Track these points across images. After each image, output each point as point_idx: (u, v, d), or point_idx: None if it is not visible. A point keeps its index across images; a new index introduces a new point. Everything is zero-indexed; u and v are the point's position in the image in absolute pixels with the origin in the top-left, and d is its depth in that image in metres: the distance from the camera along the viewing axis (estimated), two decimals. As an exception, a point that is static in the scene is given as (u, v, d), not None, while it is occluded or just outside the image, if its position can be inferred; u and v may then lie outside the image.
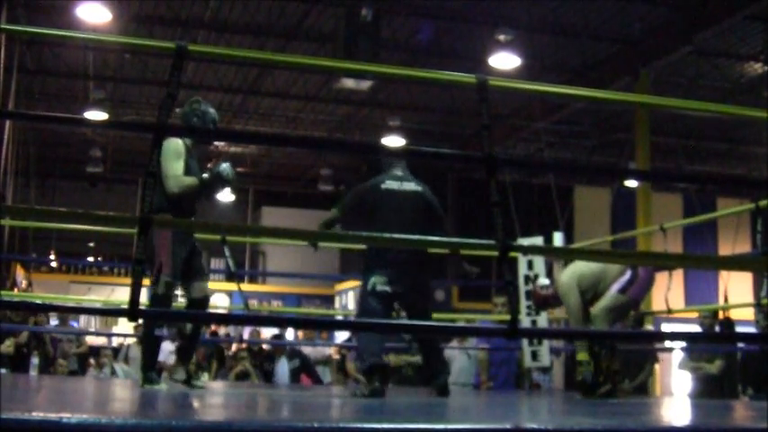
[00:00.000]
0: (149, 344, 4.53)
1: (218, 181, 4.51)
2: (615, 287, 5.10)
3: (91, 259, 19.28)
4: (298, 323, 9.16)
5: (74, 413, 2.01)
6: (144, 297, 4.43)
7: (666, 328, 12.04)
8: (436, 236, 4.34)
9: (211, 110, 4.72)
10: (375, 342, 4.67)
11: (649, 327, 10.55)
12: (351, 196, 4.85)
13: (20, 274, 15.24)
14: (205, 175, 4.50)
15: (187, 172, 4.49)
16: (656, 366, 10.99)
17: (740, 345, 7.05)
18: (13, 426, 1.89)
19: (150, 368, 4.42)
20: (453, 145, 14.68)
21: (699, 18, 10.58)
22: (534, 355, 6.72)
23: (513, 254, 3.06)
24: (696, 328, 7.46)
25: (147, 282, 4.11)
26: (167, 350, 9.66)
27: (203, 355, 10.01)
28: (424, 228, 4.65)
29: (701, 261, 6.34)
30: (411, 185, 4.82)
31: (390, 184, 4.77)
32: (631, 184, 14.33)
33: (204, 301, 4.62)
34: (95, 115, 12.95)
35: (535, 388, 7.76)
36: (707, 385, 6.82)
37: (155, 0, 11.20)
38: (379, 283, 4.62)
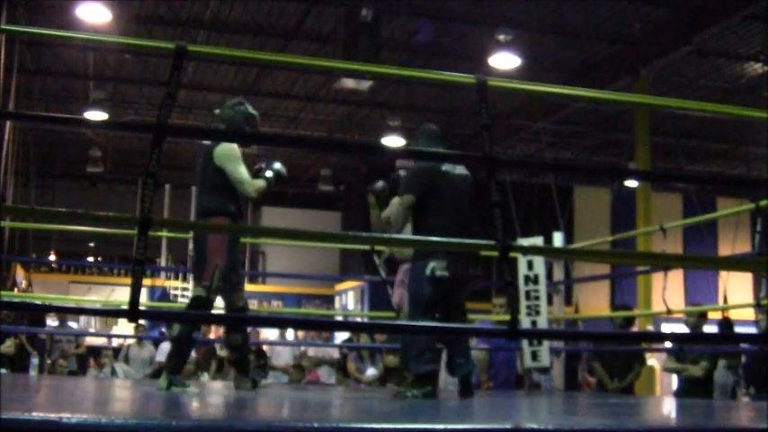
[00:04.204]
0: (183, 346, 4.39)
1: (277, 181, 4.60)
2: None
3: (91, 259, 19.29)
4: (298, 323, 9.17)
5: (74, 413, 2.01)
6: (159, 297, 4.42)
7: (667, 328, 12.05)
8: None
9: (255, 111, 4.73)
10: (429, 346, 4.52)
11: (649, 327, 10.57)
12: (418, 178, 4.65)
13: (20, 274, 15.24)
14: (269, 174, 4.54)
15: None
16: (657, 367, 11.02)
17: (738, 345, 7.04)
18: (13, 426, 1.89)
19: (177, 371, 4.28)
20: (453, 145, 14.68)
21: (699, 18, 10.58)
22: (534, 356, 6.71)
23: (512, 254, 3.05)
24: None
25: (147, 281, 4.09)
26: (166, 351, 9.66)
27: (203, 355, 10.01)
28: (470, 212, 4.61)
29: (701, 261, 6.34)
30: (461, 169, 4.75)
31: (447, 167, 4.68)
32: (631, 184, 14.33)
33: (245, 309, 4.56)
34: (95, 115, 12.95)
35: (535, 388, 7.75)
36: (692, 387, 6.72)
37: (155, 0, 11.20)
38: (438, 268, 4.46)
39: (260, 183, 4.48)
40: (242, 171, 4.41)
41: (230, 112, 4.62)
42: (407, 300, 4.80)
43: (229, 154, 4.39)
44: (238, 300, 4.47)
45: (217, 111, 4.72)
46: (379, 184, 5.34)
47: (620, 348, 6.98)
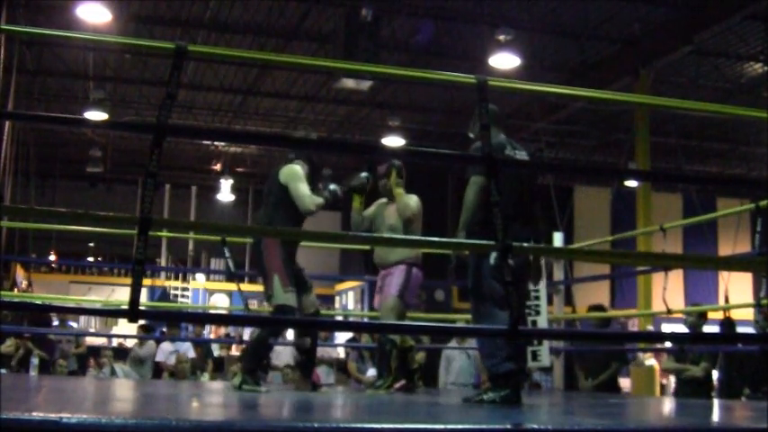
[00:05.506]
0: (260, 350, 4.78)
1: (333, 200, 5.05)
2: (394, 290, 5.23)
3: (91, 259, 19.28)
4: (298, 323, 9.15)
5: (74, 413, 2.02)
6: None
7: (667, 328, 12.04)
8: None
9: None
10: (505, 344, 4.11)
11: (649, 327, 10.56)
12: None
13: (20, 274, 15.24)
14: (327, 194, 5.01)
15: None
16: (657, 367, 11.00)
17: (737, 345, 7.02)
18: (13, 426, 1.89)
19: (252, 372, 4.60)
20: (453, 145, 14.67)
21: (699, 18, 10.58)
22: (534, 356, 6.71)
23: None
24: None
25: (147, 281, 4.14)
26: (167, 350, 9.66)
27: (200, 356, 10.01)
28: (532, 197, 4.39)
29: (701, 261, 6.34)
30: (524, 155, 4.44)
31: (509, 150, 4.35)
32: (631, 184, 14.32)
33: (316, 314, 4.98)
34: (95, 115, 12.94)
35: (535, 388, 7.76)
36: (691, 388, 6.68)
37: (155, 0, 11.20)
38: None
39: (319, 199, 4.92)
40: (303, 188, 4.85)
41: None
42: (473, 298, 4.41)
43: (293, 173, 4.87)
44: (309, 307, 4.92)
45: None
46: (362, 175, 5.49)
47: (600, 348, 7.02)
